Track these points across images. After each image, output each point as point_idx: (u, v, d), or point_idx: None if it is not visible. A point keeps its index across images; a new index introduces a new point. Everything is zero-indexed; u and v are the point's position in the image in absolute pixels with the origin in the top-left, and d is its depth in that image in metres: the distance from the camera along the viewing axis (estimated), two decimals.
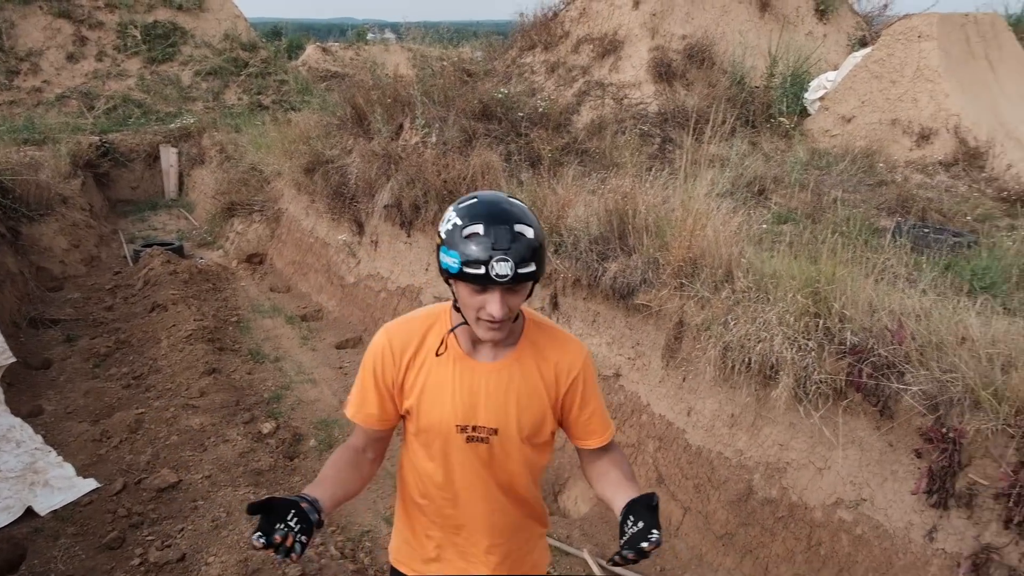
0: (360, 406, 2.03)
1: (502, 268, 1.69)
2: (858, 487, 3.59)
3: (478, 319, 1.81)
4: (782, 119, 8.04)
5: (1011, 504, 2.92)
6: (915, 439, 3.34)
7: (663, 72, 8.90)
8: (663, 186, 5.38)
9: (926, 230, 5.35)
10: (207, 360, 6.69)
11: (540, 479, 2.17)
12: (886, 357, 3.45)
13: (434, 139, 7.37)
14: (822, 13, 10.71)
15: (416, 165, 7.17)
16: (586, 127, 8.10)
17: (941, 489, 3.17)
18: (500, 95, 7.84)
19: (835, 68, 9.03)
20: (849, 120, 7.86)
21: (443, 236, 1.78)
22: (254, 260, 10.20)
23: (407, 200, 7.14)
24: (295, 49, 23.03)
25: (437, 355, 1.95)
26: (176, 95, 16.36)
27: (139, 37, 16.81)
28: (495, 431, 1.95)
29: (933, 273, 4.43)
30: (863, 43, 10.24)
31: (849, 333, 3.63)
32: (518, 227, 1.73)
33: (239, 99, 16.76)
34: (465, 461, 1.99)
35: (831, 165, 6.81)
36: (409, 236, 7.43)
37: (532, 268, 1.73)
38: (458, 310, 1.89)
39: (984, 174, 6.55)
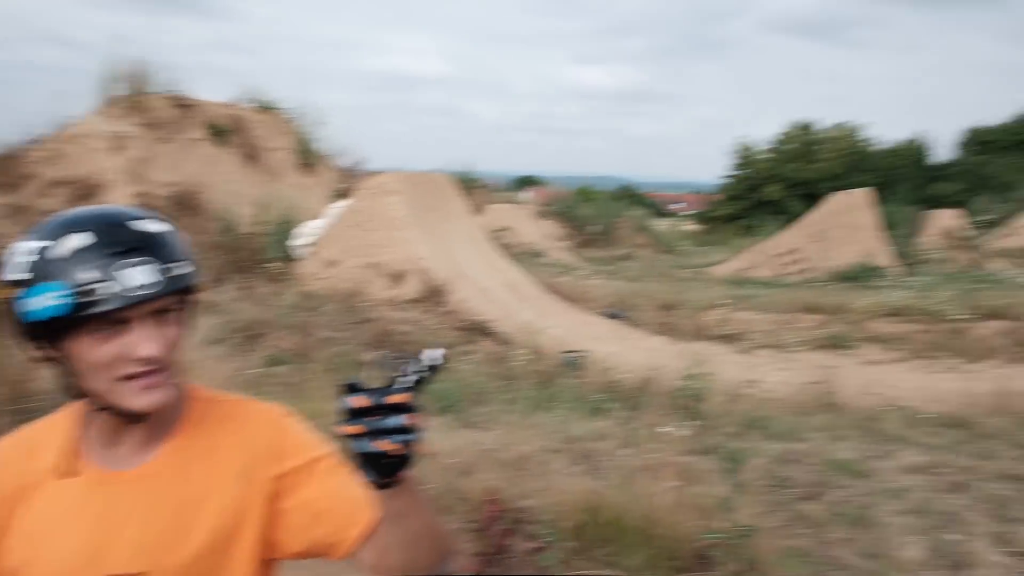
0: None
1: (142, 274, 1.06)
2: None
3: (123, 378, 1.10)
4: (272, 264, 8.43)
5: None
6: None
7: None
8: None
9: (402, 360, 6.06)
10: None
11: None
12: None
13: None
14: (305, 166, 11.67)
15: None
16: None
17: None
18: None
19: (320, 217, 9.85)
20: (334, 264, 8.58)
21: (23, 276, 1.07)
22: None
23: None
24: None
25: (60, 477, 1.18)
26: None
27: None
28: None
29: None
30: (343, 195, 11.38)
31: None
32: (138, 223, 1.11)
33: None
34: None
35: (319, 307, 7.32)
36: None
37: (187, 268, 1.13)
38: (80, 397, 1.15)
39: (445, 308, 7.69)
